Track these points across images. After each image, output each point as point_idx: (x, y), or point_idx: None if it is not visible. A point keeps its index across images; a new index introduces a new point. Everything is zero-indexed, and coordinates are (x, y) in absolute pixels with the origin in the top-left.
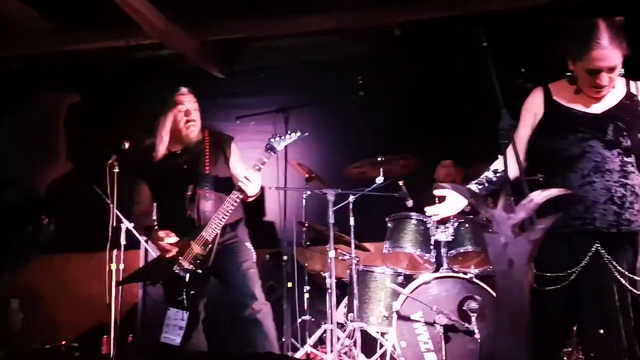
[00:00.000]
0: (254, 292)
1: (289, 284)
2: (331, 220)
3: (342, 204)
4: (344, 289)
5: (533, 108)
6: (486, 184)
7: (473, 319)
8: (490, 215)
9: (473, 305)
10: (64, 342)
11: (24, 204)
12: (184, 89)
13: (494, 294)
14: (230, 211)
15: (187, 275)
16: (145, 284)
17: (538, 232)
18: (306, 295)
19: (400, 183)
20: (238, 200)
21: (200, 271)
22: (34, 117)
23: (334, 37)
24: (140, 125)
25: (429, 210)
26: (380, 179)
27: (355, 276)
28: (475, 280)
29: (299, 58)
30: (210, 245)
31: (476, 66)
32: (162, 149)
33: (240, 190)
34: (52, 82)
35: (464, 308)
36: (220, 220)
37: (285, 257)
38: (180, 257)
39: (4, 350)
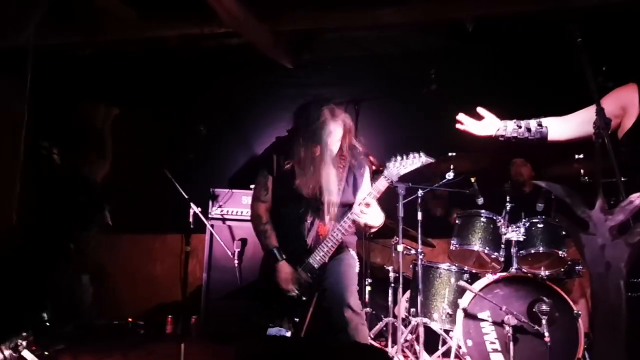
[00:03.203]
0: (349, 303)
1: None
2: (401, 214)
3: (410, 198)
4: (406, 283)
5: (623, 102)
6: (524, 130)
7: (543, 321)
8: (587, 216)
9: (544, 307)
10: (130, 319)
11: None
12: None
13: (565, 296)
14: (339, 240)
15: (293, 299)
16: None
17: (636, 236)
18: (367, 288)
19: (472, 180)
20: (349, 230)
21: (304, 298)
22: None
23: (405, 30)
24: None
25: (461, 117)
26: (450, 175)
27: (420, 272)
28: (546, 282)
29: (370, 50)
30: (316, 273)
31: (558, 62)
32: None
33: (353, 221)
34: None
35: (534, 310)
36: (330, 248)
37: None
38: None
39: (73, 324)
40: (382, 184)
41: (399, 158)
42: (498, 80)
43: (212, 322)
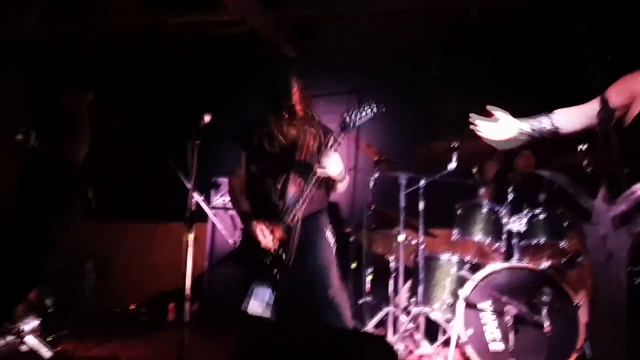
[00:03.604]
0: (331, 281)
1: (353, 265)
2: (402, 204)
3: (412, 188)
4: (407, 273)
5: (632, 89)
6: (539, 129)
7: (544, 311)
8: (590, 206)
9: (544, 298)
10: (132, 307)
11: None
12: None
13: (566, 287)
14: (308, 194)
15: (271, 258)
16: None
17: (639, 226)
18: (369, 277)
19: (474, 170)
20: (315, 184)
21: (284, 255)
22: None
23: (409, 17)
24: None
25: (474, 118)
26: (452, 165)
27: (421, 262)
28: (547, 272)
29: (373, 39)
30: (291, 231)
31: (564, 51)
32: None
33: (316, 175)
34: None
35: (534, 301)
36: (300, 204)
37: (352, 239)
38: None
39: (76, 311)
40: (339, 135)
41: (353, 110)
42: (503, 71)
43: (213, 310)
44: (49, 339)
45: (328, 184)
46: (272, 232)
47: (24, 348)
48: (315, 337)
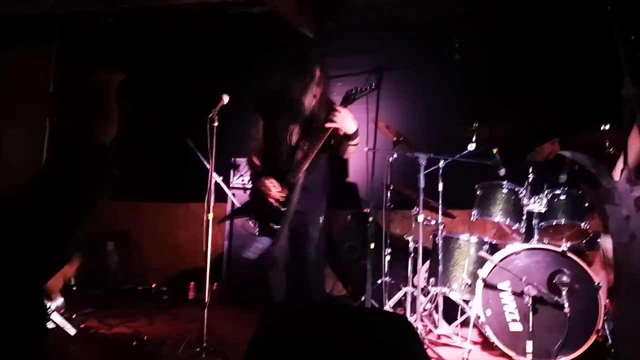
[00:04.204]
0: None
1: (372, 245)
2: (422, 184)
3: (431, 168)
4: (425, 254)
5: None
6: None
7: (563, 292)
8: (613, 187)
9: (564, 278)
10: (154, 285)
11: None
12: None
13: (586, 268)
14: (315, 149)
15: (274, 209)
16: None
17: None
18: (387, 258)
19: (494, 151)
20: (325, 138)
21: (284, 209)
22: None
23: None
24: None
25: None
26: (472, 146)
27: (440, 242)
28: (567, 253)
29: (394, 18)
30: (294, 188)
31: (585, 30)
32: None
33: (328, 122)
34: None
35: (554, 281)
36: (305, 160)
37: (370, 219)
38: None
39: (100, 289)
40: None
41: (355, 88)
42: (525, 52)
43: (234, 288)
44: (74, 316)
45: (340, 145)
46: (279, 186)
47: (50, 325)
48: (336, 315)
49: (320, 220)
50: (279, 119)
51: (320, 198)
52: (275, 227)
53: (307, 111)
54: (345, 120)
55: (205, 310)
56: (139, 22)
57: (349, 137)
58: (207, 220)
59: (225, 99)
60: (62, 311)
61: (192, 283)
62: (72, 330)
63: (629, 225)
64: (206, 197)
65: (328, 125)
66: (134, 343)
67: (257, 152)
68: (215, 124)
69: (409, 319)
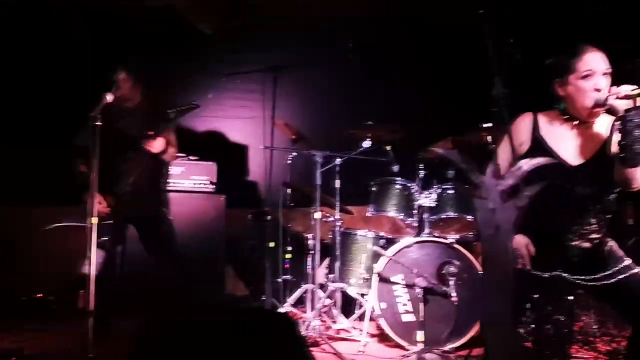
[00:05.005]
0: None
1: (271, 244)
2: (318, 181)
3: (329, 166)
4: (325, 250)
5: (519, 137)
6: None
7: (451, 282)
8: (480, 182)
9: (452, 269)
10: (40, 295)
11: None
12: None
13: (472, 259)
14: (138, 163)
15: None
16: None
17: (524, 199)
18: (288, 256)
19: (388, 148)
20: (144, 153)
21: (111, 221)
22: None
23: None
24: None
25: None
26: (367, 143)
27: (338, 238)
28: (455, 245)
29: (293, 17)
30: (122, 199)
31: (471, 34)
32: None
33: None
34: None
35: (443, 272)
36: (131, 173)
37: (269, 217)
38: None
39: None
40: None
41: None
42: (418, 52)
43: (119, 295)
44: None
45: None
46: (102, 201)
47: None
48: (216, 317)
49: (165, 212)
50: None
51: (155, 192)
52: (104, 239)
53: (129, 119)
54: (157, 147)
55: (90, 320)
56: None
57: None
58: (91, 225)
59: (109, 97)
60: None
61: (82, 291)
62: None
63: (494, 217)
64: (88, 201)
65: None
66: (13, 359)
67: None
68: (99, 123)
69: (307, 317)
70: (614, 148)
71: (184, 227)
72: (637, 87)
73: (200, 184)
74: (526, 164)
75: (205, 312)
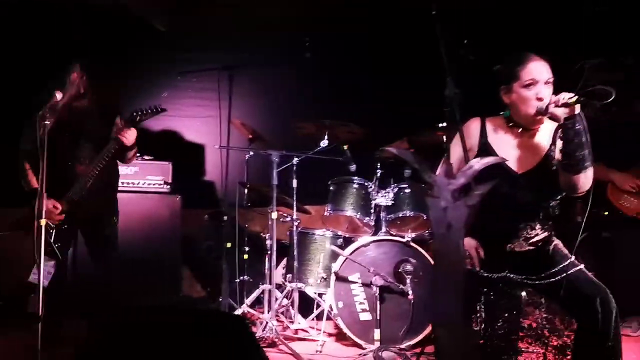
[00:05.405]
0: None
1: (228, 245)
2: (274, 181)
3: (286, 165)
4: (283, 250)
5: (469, 141)
6: None
7: (408, 280)
8: (432, 181)
9: (408, 267)
10: None
11: None
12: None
13: (428, 257)
14: (99, 166)
15: (54, 229)
16: None
17: (475, 198)
18: (245, 256)
19: (345, 147)
20: (110, 155)
21: (65, 226)
22: None
23: None
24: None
25: None
26: (324, 143)
27: (295, 238)
28: (411, 243)
29: (249, 15)
30: (76, 203)
31: (424, 34)
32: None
33: (116, 140)
34: None
35: (399, 270)
36: (89, 178)
37: (225, 218)
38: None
39: None
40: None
41: (140, 110)
42: (375, 51)
43: (77, 298)
44: None
45: (120, 154)
46: (58, 206)
47: None
48: (166, 319)
49: (115, 221)
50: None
51: (109, 199)
52: (55, 246)
53: (81, 119)
54: (130, 139)
55: (40, 324)
56: None
57: (128, 148)
58: (39, 227)
59: (58, 96)
60: None
61: (32, 295)
62: None
63: (446, 216)
64: (37, 202)
65: (117, 139)
66: None
67: (34, 166)
68: (47, 122)
69: (264, 318)
70: (558, 155)
71: (138, 228)
72: (574, 94)
73: (155, 184)
74: (477, 163)
75: (155, 315)
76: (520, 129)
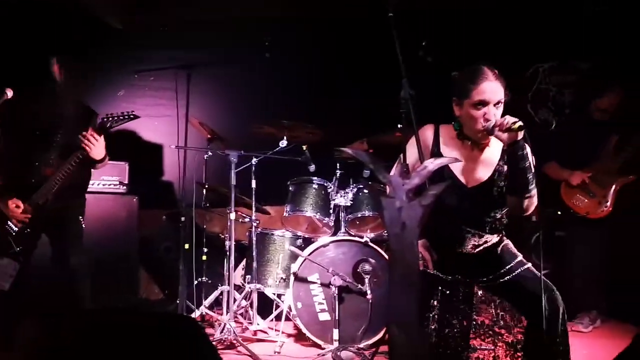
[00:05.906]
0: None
1: (186, 246)
2: (233, 182)
3: (245, 166)
4: (242, 251)
5: (425, 146)
6: None
7: (366, 280)
8: (387, 181)
9: (367, 267)
10: None
11: None
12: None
13: (387, 257)
14: (66, 172)
15: (16, 232)
16: None
17: (429, 198)
18: (204, 257)
19: (304, 147)
20: (77, 161)
21: (28, 230)
22: None
23: None
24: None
25: None
26: (283, 143)
27: (254, 239)
28: (370, 243)
29: (208, 14)
30: (41, 206)
31: (381, 36)
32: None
33: (82, 149)
34: None
35: (358, 270)
36: (55, 182)
37: (182, 219)
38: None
39: None
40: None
41: (111, 116)
42: (336, 52)
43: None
44: None
45: (89, 161)
46: (20, 205)
47: None
48: (113, 321)
49: (81, 219)
50: (21, 130)
51: (78, 200)
52: (17, 249)
53: (54, 120)
54: (96, 149)
55: None
56: None
57: (97, 161)
58: None
59: (9, 93)
60: None
61: None
62: None
63: (401, 215)
64: None
65: (78, 157)
66: None
67: None
68: None
69: (222, 319)
70: (503, 177)
71: (94, 229)
72: (518, 120)
73: (110, 184)
74: (431, 164)
75: (107, 316)
76: (470, 142)
